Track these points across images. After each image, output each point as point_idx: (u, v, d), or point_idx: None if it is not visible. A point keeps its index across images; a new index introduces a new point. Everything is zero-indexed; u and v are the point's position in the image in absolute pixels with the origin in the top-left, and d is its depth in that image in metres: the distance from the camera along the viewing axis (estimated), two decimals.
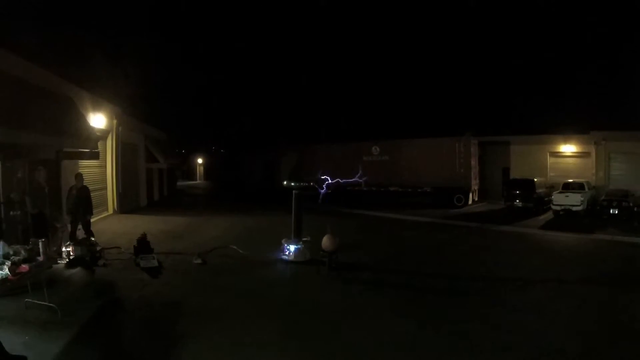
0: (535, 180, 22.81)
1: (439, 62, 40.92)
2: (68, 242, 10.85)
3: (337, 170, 27.59)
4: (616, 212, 18.99)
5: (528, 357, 6.02)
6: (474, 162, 25.96)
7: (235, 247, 12.55)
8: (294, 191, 11.98)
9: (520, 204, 21.98)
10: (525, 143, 27.73)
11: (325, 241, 10.28)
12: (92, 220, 12.67)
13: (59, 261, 10.13)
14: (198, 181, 59.34)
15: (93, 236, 11.69)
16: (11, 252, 7.03)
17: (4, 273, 6.48)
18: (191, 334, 6.60)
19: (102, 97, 18.05)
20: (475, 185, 26.41)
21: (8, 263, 6.64)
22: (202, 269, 10.65)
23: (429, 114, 37.16)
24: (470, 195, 25.82)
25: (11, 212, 10.46)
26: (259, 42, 57.86)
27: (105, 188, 19.54)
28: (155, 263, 10.58)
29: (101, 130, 17.80)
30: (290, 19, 53.63)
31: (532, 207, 21.64)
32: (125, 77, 23.51)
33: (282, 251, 11.48)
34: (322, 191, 11.65)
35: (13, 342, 5.82)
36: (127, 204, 21.18)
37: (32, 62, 12.39)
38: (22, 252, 7.15)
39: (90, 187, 13.61)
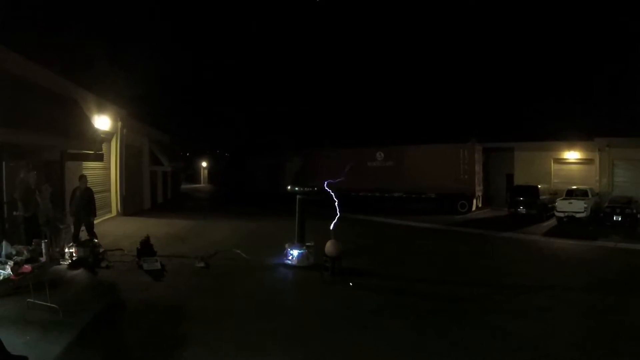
0: (539, 186, 22.76)
1: (443, 68, 40.92)
2: (71, 244, 10.87)
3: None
4: (620, 219, 18.90)
5: None
6: (478, 169, 25.93)
7: (238, 251, 12.53)
8: (297, 196, 11.97)
9: (523, 211, 21.92)
10: (529, 149, 27.68)
11: (329, 246, 10.25)
12: (95, 222, 12.68)
13: (61, 262, 10.15)
14: (202, 184, 59.44)
15: (96, 238, 11.70)
16: (14, 252, 7.04)
17: (6, 273, 6.50)
18: (193, 337, 6.59)
19: (107, 99, 18.13)
20: (479, 191, 26.36)
21: (11, 263, 6.65)
22: (205, 272, 10.64)
23: (434, 120, 37.10)
24: (474, 201, 25.79)
25: (14, 213, 10.50)
26: (265, 46, 57.97)
27: (109, 190, 19.59)
28: (158, 266, 10.58)
29: (106, 132, 17.87)
30: (296, 24, 53.78)
31: (536, 214, 21.57)
32: (131, 79, 23.57)
33: (286, 256, 11.45)
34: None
35: (14, 342, 5.82)
36: (131, 207, 21.21)
37: (38, 64, 12.45)
38: (25, 252, 7.17)
39: (94, 189, 13.64)
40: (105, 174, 19.24)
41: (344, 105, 44.46)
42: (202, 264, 11.04)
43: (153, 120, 28.41)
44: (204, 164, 62.38)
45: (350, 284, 9.72)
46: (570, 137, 26.32)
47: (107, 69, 21.97)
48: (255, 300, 8.63)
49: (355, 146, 30.45)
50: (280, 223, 17.86)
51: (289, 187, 31.88)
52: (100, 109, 17.05)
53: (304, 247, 11.32)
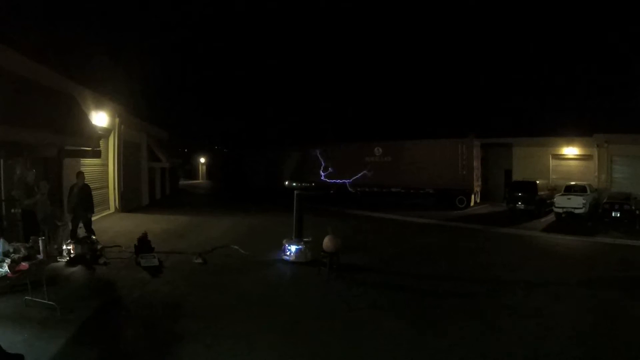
0: (538, 182, 22.77)
1: (442, 64, 40.93)
2: (69, 240, 10.86)
3: (339, 171, 27.74)
4: (618, 215, 18.92)
5: None
6: (476, 164, 25.93)
7: (236, 247, 12.54)
8: (295, 191, 11.97)
9: (522, 207, 21.93)
10: (528, 145, 27.68)
11: (327, 242, 10.25)
12: (93, 218, 12.67)
13: (59, 259, 10.16)
14: (200, 180, 59.36)
15: (94, 235, 11.70)
16: (11, 250, 7.03)
17: (3, 271, 6.49)
18: (190, 334, 6.59)
19: (104, 95, 18.05)
20: (477, 187, 26.38)
21: (8, 261, 6.64)
22: (203, 268, 10.64)
23: (432, 116, 37.18)
24: (472, 197, 25.81)
25: (12, 210, 10.47)
26: (263, 43, 57.91)
27: (107, 186, 19.55)
28: (155, 262, 10.57)
29: (103, 129, 17.82)
30: (295, 20, 53.67)
31: (534, 210, 21.58)
32: (128, 76, 23.54)
33: (283, 251, 11.46)
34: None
35: (12, 340, 5.83)
36: (129, 203, 21.17)
37: (35, 60, 12.38)
38: (22, 249, 7.15)
39: (92, 186, 13.62)
40: (103, 170, 19.20)
41: (343, 101, 44.46)
42: (199, 260, 11.04)
43: (151, 116, 28.38)
44: (202, 160, 62.28)
45: (349, 279, 9.73)
46: (569, 133, 26.31)
47: (105, 65, 21.91)
48: (253, 296, 8.63)
49: (353, 141, 30.46)
50: (278, 219, 17.87)
51: (286, 183, 31.91)
52: (98, 106, 16.98)
53: (302, 243, 11.33)
